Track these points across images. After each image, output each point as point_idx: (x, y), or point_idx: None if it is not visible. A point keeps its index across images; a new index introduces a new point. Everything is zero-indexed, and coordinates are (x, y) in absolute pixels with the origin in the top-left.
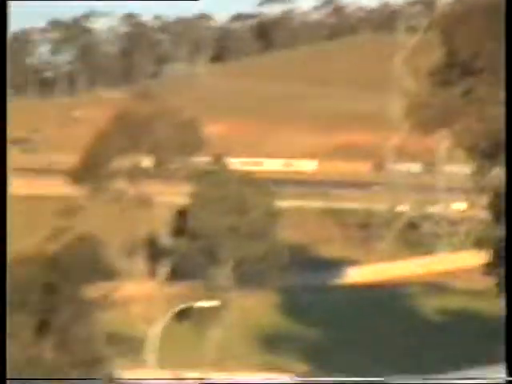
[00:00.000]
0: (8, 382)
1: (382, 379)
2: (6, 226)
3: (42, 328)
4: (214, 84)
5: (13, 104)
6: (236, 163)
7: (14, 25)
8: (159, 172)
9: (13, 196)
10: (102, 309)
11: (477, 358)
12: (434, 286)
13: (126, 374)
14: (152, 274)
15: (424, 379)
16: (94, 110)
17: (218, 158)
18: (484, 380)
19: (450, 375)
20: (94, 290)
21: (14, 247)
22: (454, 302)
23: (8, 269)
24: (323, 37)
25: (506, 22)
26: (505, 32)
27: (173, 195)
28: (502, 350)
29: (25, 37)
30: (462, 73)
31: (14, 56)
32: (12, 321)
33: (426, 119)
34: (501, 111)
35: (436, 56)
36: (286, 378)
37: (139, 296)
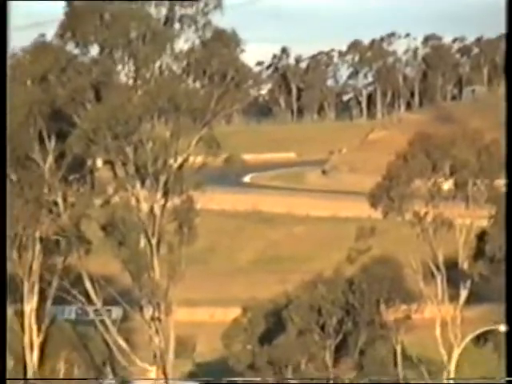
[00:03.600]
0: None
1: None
2: (6, 224)
3: (341, 349)
4: None
5: (312, 125)
6: None
7: (317, 46)
8: (459, 194)
9: (316, 217)
10: (401, 331)
11: None
12: None
13: None
14: (451, 296)
15: (425, 381)
16: (393, 132)
17: None
18: (484, 380)
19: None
20: (393, 313)
21: (312, 267)
22: None
23: (307, 289)
24: None
25: (506, 22)
26: (505, 32)
27: (473, 218)
28: None
29: (326, 60)
30: None
31: (316, 79)
32: (309, 341)
33: None
34: None
35: None
36: None
37: (439, 319)
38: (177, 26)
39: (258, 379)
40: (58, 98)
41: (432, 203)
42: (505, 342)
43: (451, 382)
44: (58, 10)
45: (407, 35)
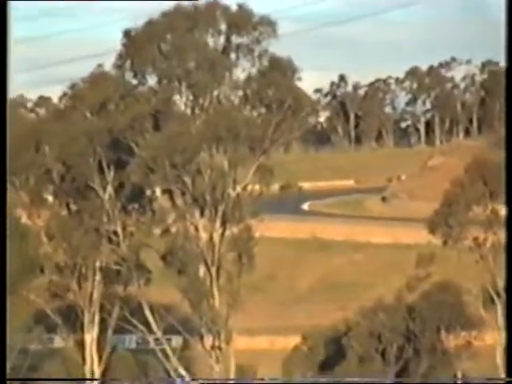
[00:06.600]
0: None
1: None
2: (6, 227)
3: (402, 376)
4: None
5: (371, 153)
6: None
7: (375, 73)
8: None
9: (376, 244)
10: (462, 358)
11: None
12: None
13: None
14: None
15: (424, 380)
16: (451, 159)
17: None
18: (484, 380)
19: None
20: (454, 339)
21: (372, 294)
22: None
23: (367, 316)
24: None
25: (506, 22)
26: (505, 33)
27: None
28: None
29: (384, 87)
30: None
31: (374, 106)
32: (369, 368)
33: None
34: None
35: None
36: None
37: (499, 346)
38: (234, 55)
39: (258, 379)
40: (116, 126)
41: (491, 230)
42: (505, 341)
43: (451, 382)
44: (115, 40)
45: (468, 61)
